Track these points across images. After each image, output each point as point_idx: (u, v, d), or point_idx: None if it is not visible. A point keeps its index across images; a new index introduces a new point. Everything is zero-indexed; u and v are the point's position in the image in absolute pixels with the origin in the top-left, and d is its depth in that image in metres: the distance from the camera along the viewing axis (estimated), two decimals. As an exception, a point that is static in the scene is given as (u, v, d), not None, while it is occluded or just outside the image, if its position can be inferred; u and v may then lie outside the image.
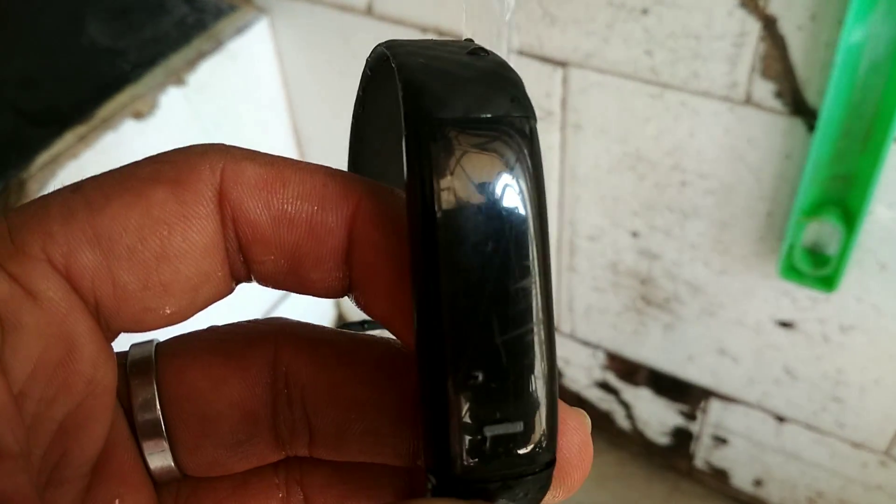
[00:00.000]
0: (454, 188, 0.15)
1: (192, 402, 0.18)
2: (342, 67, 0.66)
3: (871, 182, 0.47)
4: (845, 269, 0.52)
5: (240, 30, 0.64)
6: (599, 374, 0.75)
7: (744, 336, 0.62)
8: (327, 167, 0.17)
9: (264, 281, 0.17)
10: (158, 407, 0.18)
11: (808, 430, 0.65)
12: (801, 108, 0.48)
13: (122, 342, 0.18)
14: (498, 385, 0.15)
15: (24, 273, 0.14)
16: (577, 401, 0.79)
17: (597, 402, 0.78)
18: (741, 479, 0.74)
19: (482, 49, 0.17)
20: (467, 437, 0.15)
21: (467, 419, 0.15)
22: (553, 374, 0.16)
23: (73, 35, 0.64)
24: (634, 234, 0.61)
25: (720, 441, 0.72)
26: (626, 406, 0.76)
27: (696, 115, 0.52)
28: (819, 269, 0.52)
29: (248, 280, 0.18)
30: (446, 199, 0.15)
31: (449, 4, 0.57)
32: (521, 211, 0.15)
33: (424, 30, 0.59)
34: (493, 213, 0.15)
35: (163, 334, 0.18)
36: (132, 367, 0.18)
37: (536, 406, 0.15)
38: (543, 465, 0.16)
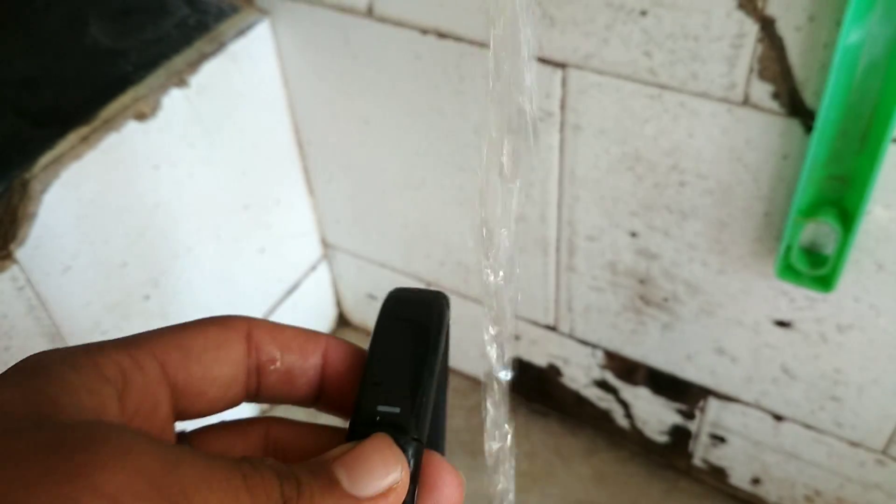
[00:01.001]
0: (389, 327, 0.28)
1: None
2: (343, 68, 0.66)
3: (868, 183, 0.47)
4: (842, 269, 0.52)
5: (241, 31, 0.65)
6: (598, 373, 0.75)
7: (742, 335, 0.62)
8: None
9: (266, 391, 0.28)
10: None
11: (805, 429, 0.66)
12: (798, 109, 0.48)
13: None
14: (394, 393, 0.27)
15: (139, 357, 0.24)
16: (576, 399, 0.80)
17: (596, 401, 0.78)
18: (739, 478, 0.75)
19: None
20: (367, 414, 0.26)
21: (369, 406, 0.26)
22: (431, 407, 0.27)
23: (75, 36, 0.64)
24: (633, 234, 0.61)
25: (718, 440, 0.72)
26: (624, 405, 0.76)
27: (695, 115, 0.52)
28: (816, 269, 0.52)
29: (254, 398, 0.28)
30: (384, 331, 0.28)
31: (449, 5, 0.57)
32: (426, 343, 0.27)
33: (424, 31, 0.59)
34: (411, 341, 0.27)
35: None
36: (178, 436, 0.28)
37: (412, 406, 0.26)
38: (411, 438, 0.25)
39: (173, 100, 0.61)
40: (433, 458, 0.26)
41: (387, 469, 0.24)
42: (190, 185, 0.65)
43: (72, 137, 0.56)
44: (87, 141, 0.56)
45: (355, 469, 0.23)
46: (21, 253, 0.53)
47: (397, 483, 0.24)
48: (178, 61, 0.62)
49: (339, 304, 0.92)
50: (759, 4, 0.46)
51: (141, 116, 0.59)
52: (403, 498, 0.24)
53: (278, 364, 0.28)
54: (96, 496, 0.19)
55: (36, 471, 0.19)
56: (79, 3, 0.66)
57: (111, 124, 0.57)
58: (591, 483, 0.78)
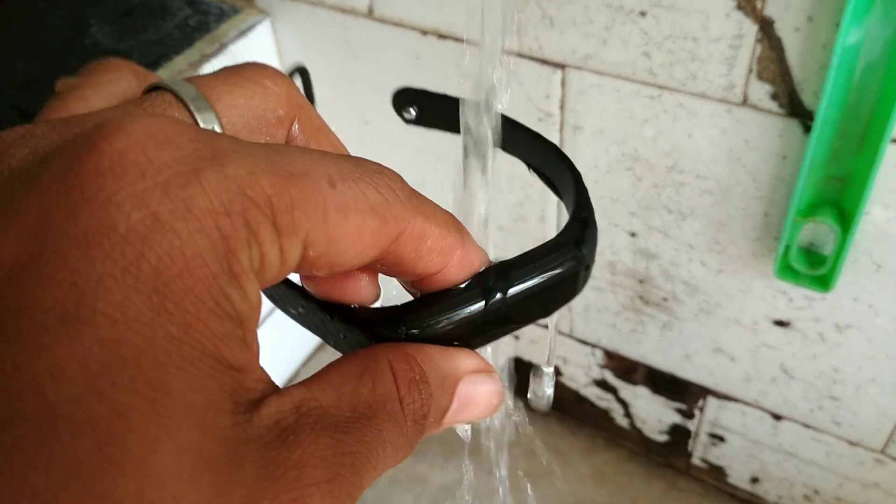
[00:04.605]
0: None
1: None
2: (343, 69, 0.66)
3: (866, 183, 0.47)
4: (841, 269, 0.52)
5: (242, 32, 0.65)
6: (598, 373, 0.75)
7: (740, 335, 0.63)
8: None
9: None
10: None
11: (804, 429, 0.66)
12: (797, 110, 0.49)
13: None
14: None
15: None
16: (575, 399, 0.80)
17: (595, 401, 0.79)
18: (738, 477, 0.75)
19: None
20: None
21: None
22: None
23: (76, 36, 0.64)
24: (632, 234, 0.62)
25: (717, 439, 0.73)
26: (624, 404, 0.77)
27: (694, 116, 0.52)
28: (815, 268, 0.53)
29: None
30: None
31: (449, 7, 0.57)
32: None
33: (424, 32, 0.59)
34: None
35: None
36: None
37: None
38: None
39: (174, 100, 0.61)
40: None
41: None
42: (191, 185, 0.65)
43: (73, 137, 0.56)
44: (88, 141, 0.56)
45: None
46: (23, 253, 0.53)
47: None
48: (180, 62, 0.62)
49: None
50: (758, 5, 0.46)
51: (142, 117, 0.59)
52: None
53: None
54: (95, 174, 0.15)
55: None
56: (80, 4, 0.66)
57: (112, 124, 0.57)
58: (590, 482, 0.78)
